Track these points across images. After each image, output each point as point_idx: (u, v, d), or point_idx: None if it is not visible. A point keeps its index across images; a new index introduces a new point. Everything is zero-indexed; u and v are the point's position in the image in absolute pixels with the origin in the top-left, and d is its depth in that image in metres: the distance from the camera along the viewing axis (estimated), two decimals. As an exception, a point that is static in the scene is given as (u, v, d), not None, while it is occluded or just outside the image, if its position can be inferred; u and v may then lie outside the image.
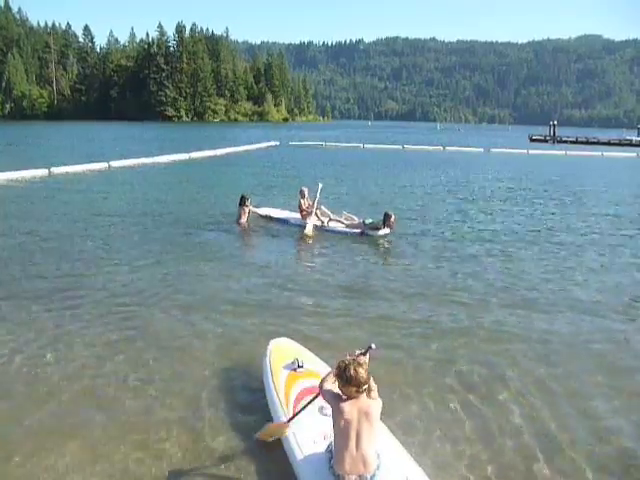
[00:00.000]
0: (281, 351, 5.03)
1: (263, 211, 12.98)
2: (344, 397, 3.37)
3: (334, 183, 19.94)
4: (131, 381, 5.09)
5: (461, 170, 27.50)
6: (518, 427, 4.49)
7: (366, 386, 3.33)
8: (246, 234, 11.83)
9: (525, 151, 44.82)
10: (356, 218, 11.83)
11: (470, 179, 23.35)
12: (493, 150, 45.16)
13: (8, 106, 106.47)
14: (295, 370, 4.69)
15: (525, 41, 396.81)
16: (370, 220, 11.48)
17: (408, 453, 3.78)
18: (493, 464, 4.01)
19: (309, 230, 11.42)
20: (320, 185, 12.23)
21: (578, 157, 42.08)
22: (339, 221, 11.84)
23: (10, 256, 9.39)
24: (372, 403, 3.38)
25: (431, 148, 46.37)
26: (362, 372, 3.28)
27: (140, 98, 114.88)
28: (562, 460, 4.08)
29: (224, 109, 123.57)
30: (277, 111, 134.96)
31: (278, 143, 45.33)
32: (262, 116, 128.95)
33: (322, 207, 12.06)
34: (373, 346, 3.56)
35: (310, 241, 11.21)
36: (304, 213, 12.06)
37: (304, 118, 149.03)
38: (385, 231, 11.20)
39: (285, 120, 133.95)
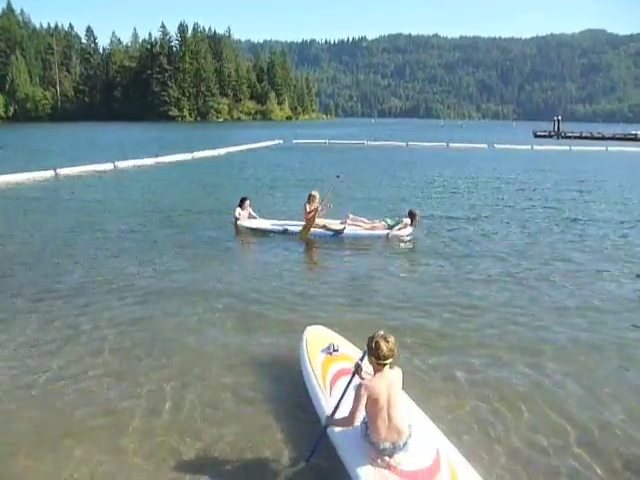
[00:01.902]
0: (316, 337, 5.36)
1: (250, 223, 11.81)
2: (370, 376, 3.71)
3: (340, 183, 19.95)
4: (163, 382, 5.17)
5: (468, 167, 27.49)
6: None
7: (388, 361, 3.58)
8: (248, 235, 11.47)
9: (529, 147, 44.78)
10: (365, 220, 11.43)
11: (478, 175, 23.36)
12: (497, 146, 45.08)
13: (12, 108, 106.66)
14: (331, 354, 5.03)
15: (529, 36, 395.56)
16: (390, 220, 11.17)
17: (438, 429, 4.04)
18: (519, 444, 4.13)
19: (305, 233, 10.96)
20: (339, 177, 11.55)
21: (583, 152, 41.93)
22: (358, 225, 11.28)
23: (18, 256, 9.47)
24: (394, 373, 3.68)
25: (435, 145, 46.29)
26: (384, 346, 3.54)
27: (143, 98, 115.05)
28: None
29: (227, 108, 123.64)
30: (280, 109, 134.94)
31: (281, 142, 45.38)
32: (265, 115, 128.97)
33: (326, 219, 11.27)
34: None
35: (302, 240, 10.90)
36: (309, 217, 11.11)
37: (307, 116, 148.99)
38: (410, 230, 11.10)
39: (288, 118, 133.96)
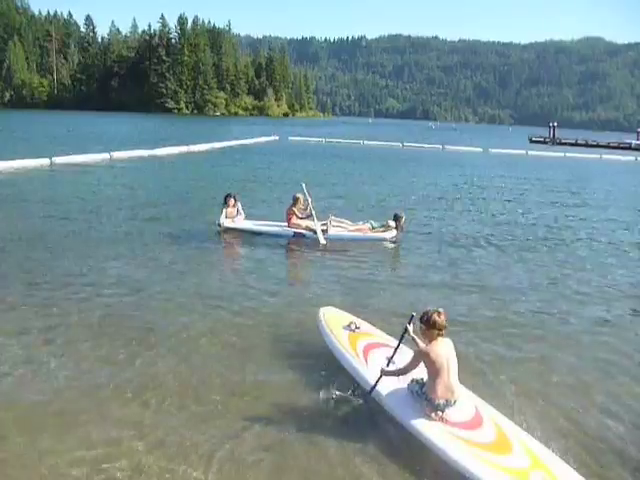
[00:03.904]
0: (332, 316, 5.60)
1: (233, 223, 11.23)
2: (428, 343, 4.27)
3: (332, 183, 20.03)
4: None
5: (462, 170, 27.68)
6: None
7: (444, 331, 4.25)
8: (230, 234, 11.02)
9: (524, 152, 44.97)
10: (347, 222, 11.22)
11: (471, 178, 23.53)
12: (492, 150, 45.24)
13: (8, 94, 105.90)
14: (353, 331, 5.34)
15: (527, 42, 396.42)
16: (375, 223, 11.10)
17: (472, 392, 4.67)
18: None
19: (323, 240, 10.52)
20: (303, 185, 11.27)
21: (577, 159, 42.20)
22: (341, 227, 11.10)
23: (6, 247, 9.39)
24: (449, 342, 4.33)
25: (430, 147, 46.42)
26: (442, 317, 4.23)
27: (141, 89, 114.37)
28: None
29: (224, 102, 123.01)
30: (277, 106, 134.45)
31: (277, 138, 45.36)
32: (262, 111, 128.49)
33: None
34: (414, 314, 4.50)
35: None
36: (298, 217, 10.99)
37: (304, 114, 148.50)
38: (395, 232, 11.04)
39: (285, 115, 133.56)
